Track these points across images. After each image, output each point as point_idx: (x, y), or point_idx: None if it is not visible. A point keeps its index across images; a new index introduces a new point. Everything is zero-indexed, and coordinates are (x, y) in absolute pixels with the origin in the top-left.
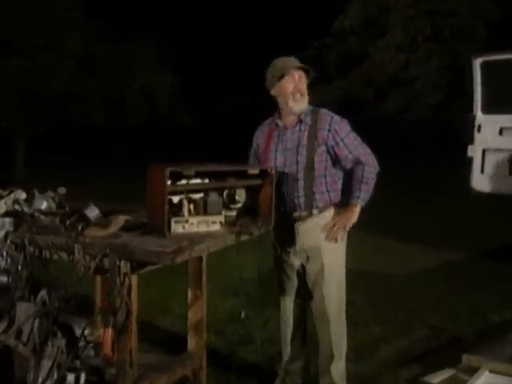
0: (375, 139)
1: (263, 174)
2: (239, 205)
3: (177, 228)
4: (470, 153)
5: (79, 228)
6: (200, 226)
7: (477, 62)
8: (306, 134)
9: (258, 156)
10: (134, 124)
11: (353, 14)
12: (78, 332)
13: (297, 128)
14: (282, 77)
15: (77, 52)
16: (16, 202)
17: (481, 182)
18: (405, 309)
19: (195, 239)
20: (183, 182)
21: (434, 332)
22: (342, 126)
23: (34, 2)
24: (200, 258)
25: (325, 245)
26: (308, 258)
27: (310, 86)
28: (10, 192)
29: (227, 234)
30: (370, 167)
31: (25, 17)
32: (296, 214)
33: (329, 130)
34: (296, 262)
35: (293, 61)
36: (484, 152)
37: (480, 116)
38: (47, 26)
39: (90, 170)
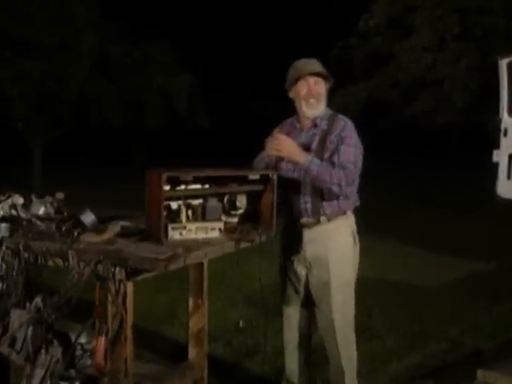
0: (403, 143)
1: (265, 179)
2: (240, 211)
3: (174, 234)
4: (495, 158)
5: (75, 234)
6: (198, 232)
7: (503, 63)
8: (317, 138)
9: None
10: (152, 126)
11: (377, 13)
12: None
13: (310, 132)
14: (297, 80)
15: (94, 52)
16: (13, 206)
17: (507, 188)
18: (422, 320)
19: (192, 246)
20: (182, 187)
21: (452, 345)
22: (350, 136)
23: (51, 1)
24: (201, 266)
25: (333, 254)
26: (315, 267)
27: (335, 87)
28: (8, 197)
29: (226, 241)
30: (342, 177)
31: (42, 16)
32: (303, 221)
33: (336, 135)
34: (302, 270)
35: (312, 64)
36: (510, 157)
37: (506, 119)
38: (64, 26)
39: (108, 172)
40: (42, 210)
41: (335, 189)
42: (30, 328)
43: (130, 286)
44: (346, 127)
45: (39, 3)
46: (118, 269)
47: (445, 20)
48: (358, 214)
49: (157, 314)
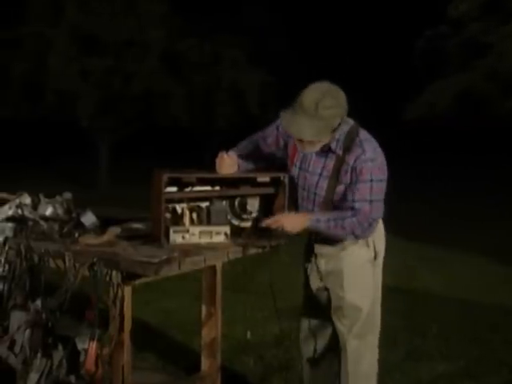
0: (502, 145)
1: (276, 181)
2: (253, 215)
3: (176, 238)
4: None
5: (75, 235)
6: (202, 236)
7: None
8: (331, 164)
9: (284, 153)
10: (221, 126)
11: None
12: (80, 345)
13: (324, 154)
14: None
15: (161, 48)
16: (19, 206)
17: None
18: (485, 345)
19: (192, 250)
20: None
21: None
22: (366, 170)
23: None
24: (214, 272)
25: (348, 269)
26: (330, 282)
27: (421, 83)
28: (18, 196)
29: (231, 247)
30: (357, 226)
31: (109, 12)
32: (320, 236)
33: (351, 167)
34: (319, 284)
35: (304, 125)
36: None
37: None
38: (131, 22)
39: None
40: (49, 211)
41: (350, 238)
42: (27, 331)
43: (127, 291)
44: (362, 159)
45: None
46: (114, 272)
47: None
48: (429, 221)
49: (192, 322)
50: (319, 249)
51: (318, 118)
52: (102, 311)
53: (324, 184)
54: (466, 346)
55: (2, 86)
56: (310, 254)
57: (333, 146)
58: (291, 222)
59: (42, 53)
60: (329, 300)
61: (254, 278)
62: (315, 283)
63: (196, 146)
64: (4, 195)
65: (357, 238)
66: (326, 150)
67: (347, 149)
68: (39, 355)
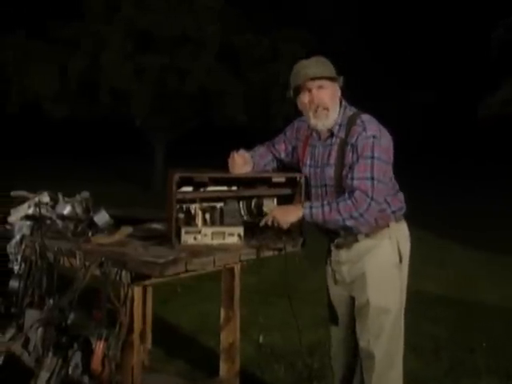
0: None
1: (292, 182)
2: None
3: (188, 239)
4: None
5: (89, 234)
6: (215, 237)
7: None
8: (335, 149)
9: (294, 157)
10: (279, 124)
11: None
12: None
13: (328, 141)
14: (298, 89)
15: (217, 45)
16: (37, 205)
17: None
18: None
19: (201, 251)
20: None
21: None
22: (368, 146)
23: None
24: (232, 275)
25: (371, 273)
26: (354, 289)
27: (497, 78)
28: (38, 195)
29: (244, 248)
30: (353, 208)
31: (164, 7)
32: (339, 241)
33: (352, 145)
34: (343, 292)
35: (311, 67)
36: None
37: None
38: (186, 18)
39: None
40: (67, 210)
41: (350, 223)
42: (40, 329)
43: (137, 291)
44: (362, 136)
45: None
46: (124, 272)
47: None
48: (489, 229)
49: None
50: (340, 256)
51: (322, 61)
52: (110, 311)
53: (331, 172)
54: None
55: (59, 85)
56: (331, 262)
57: (335, 130)
58: (284, 213)
59: (97, 51)
60: (354, 309)
61: (297, 284)
62: (339, 292)
63: (252, 145)
64: (24, 193)
65: (357, 221)
66: (328, 138)
67: (349, 130)
68: (51, 354)
